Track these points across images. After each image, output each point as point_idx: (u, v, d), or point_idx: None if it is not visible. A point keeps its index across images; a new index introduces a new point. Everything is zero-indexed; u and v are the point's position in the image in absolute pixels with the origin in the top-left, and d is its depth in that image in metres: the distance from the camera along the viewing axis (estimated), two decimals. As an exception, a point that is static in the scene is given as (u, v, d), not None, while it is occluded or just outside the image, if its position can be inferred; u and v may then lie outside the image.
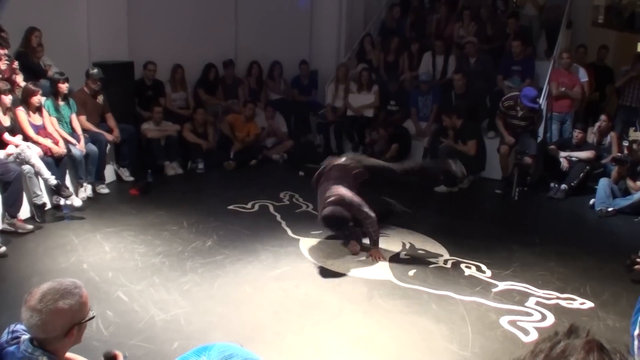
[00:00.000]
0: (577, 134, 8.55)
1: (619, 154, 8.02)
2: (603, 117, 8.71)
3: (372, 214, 5.93)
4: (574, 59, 9.46)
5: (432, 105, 9.76)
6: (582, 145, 8.51)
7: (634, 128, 8.90)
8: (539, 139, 8.89)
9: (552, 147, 8.73)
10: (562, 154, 8.53)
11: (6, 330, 2.40)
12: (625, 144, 8.07)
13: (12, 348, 2.30)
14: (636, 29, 13.74)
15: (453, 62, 10.23)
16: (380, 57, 11.02)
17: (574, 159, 8.45)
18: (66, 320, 2.26)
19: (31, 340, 2.28)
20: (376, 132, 9.63)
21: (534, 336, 4.51)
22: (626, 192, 7.76)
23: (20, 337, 2.32)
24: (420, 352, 4.26)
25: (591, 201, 7.90)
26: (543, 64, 9.92)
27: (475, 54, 9.91)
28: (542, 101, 9.09)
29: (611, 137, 8.61)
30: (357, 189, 6.08)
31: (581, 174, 8.35)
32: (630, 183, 7.72)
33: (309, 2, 11.70)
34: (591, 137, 8.73)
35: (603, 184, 7.84)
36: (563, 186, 8.33)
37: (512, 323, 4.68)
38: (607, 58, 10.80)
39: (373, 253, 5.99)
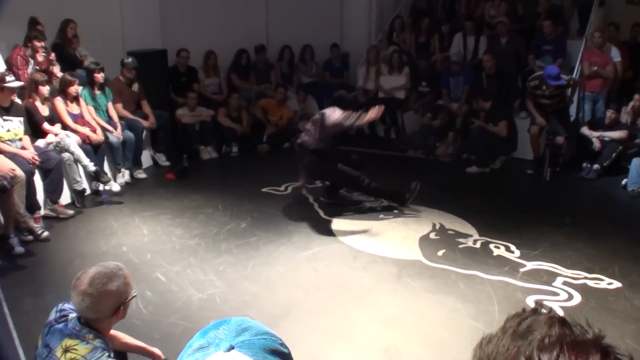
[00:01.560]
0: (610, 114, 8.47)
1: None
2: (637, 96, 8.58)
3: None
4: (606, 37, 9.36)
5: (464, 86, 9.76)
6: (614, 125, 8.44)
7: None
8: (572, 119, 8.85)
9: (585, 127, 8.68)
10: (595, 133, 8.47)
11: (54, 309, 2.59)
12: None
13: (60, 325, 2.48)
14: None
15: (484, 43, 10.18)
16: (412, 38, 11.04)
17: (606, 139, 8.39)
18: (115, 301, 2.46)
19: (79, 318, 2.46)
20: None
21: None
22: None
23: (68, 316, 2.50)
24: (446, 330, 4.37)
25: (623, 181, 7.84)
26: (575, 43, 9.81)
27: (506, 34, 9.87)
28: (575, 75, 9.03)
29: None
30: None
31: (613, 154, 8.29)
32: None
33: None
34: (624, 117, 8.63)
35: (636, 164, 7.78)
36: (595, 166, 8.29)
37: (539, 302, 4.75)
38: (641, 36, 10.63)
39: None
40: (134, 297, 2.59)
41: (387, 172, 8.04)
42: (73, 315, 2.49)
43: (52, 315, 2.56)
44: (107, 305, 2.43)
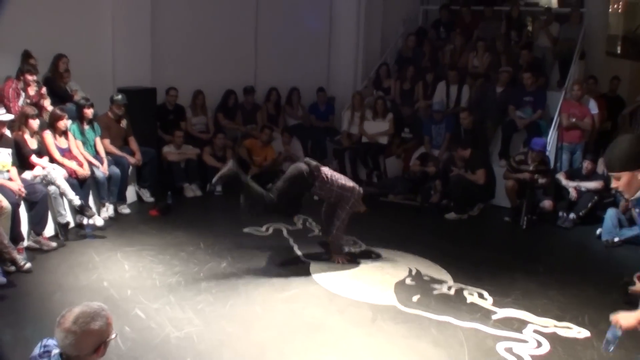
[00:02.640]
0: (586, 164, 8.71)
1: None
2: None
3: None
4: (585, 90, 9.65)
5: (445, 134, 10.00)
6: (591, 176, 8.66)
7: None
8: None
9: (562, 176, 8.88)
10: (571, 183, 8.69)
11: (39, 344, 2.70)
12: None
13: (43, 360, 2.59)
14: (652, 59, 13.87)
15: (466, 92, 10.47)
16: (396, 85, 11.30)
17: (582, 189, 8.62)
18: (96, 340, 2.57)
19: (61, 355, 2.57)
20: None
21: (528, 363, 4.71)
22: (633, 222, 7.83)
23: (51, 351, 2.62)
24: (417, 375, 4.48)
25: (598, 231, 8.02)
26: (555, 95, 10.11)
27: (504, 85, 10.14)
28: (552, 132, 9.31)
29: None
30: None
31: (589, 204, 8.50)
32: (635, 213, 7.81)
33: (315, 24, 11.99)
34: (601, 168, 8.86)
35: (610, 214, 7.98)
36: (571, 215, 8.50)
37: (509, 350, 4.87)
38: (620, 89, 10.94)
39: (334, 253, 6.74)
40: (114, 337, 2.70)
41: (368, 215, 8.17)
42: (56, 351, 2.60)
43: (37, 351, 2.67)
44: (89, 344, 2.55)
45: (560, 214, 8.60)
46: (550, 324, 5.38)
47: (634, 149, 3.07)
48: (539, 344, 5.02)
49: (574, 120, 9.38)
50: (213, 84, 10.13)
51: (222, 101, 10.45)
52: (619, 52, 13.92)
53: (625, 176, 3.10)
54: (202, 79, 9.98)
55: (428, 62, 11.65)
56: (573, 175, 8.88)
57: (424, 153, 10.05)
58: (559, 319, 5.48)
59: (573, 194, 8.61)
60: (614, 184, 3.19)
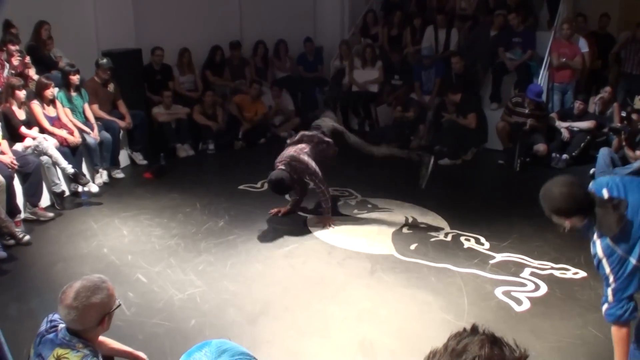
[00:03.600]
0: (578, 105, 8.70)
1: (617, 125, 8.18)
2: (607, 88, 8.81)
3: (323, 186, 6.39)
4: (575, 29, 9.57)
5: (435, 79, 9.96)
6: (583, 116, 8.67)
7: (639, 97, 8.96)
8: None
9: (553, 115, 8.90)
10: (563, 124, 8.71)
11: (45, 320, 2.76)
12: (623, 114, 8.24)
13: (50, 336, 2.64)
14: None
15: (455, 35, 10.38)
16: (384, 31, 11.18)
17: (575, 129, 8.64)
18: (99, 312, 2.61)
19: (68, 329, 2.62)
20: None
21: (526, 306, 4.79)
22: (625, 161, 7.88)
23: (58, 326, 2.67)
24: (418, 323, 4.55)
25: (591, 170, 8.03)
26: (545, 34, 9.99)
27: (498, 28, 10.02)
28: (543, 72, 9.27)
29: (613, 108, 8.72)
30: (317, 160, 6.42)
31: (582, 144, 8.53)
32: (628, 152, 7.83)
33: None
34: (592, 107, 8.87)
35: (603, 153, 7.98)
36: (564, 156, 8.54)
37: (507, 293, 4.96)
38: (609, 26, 10.85)
39: (323, 220, 6.49)
40: (117, 307, 2.74)
41: (365, 164, 8.19)
42: (62, 325, 2.64)
43: (43, 326, 2.71)
44: (92, 317, 2.59)
45: (554, 154, 8.63)
46: (547, 266, 5.46)
47: (564, 204, 3.15)
48: (537, 287, 5.10)
49: (564, 59, 9.33)
50: (199, 40, 10.03)
51: (208, 58, 10.35)
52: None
53: (567, 221, 3.23)
54: (187, 36, 9.87)
55: (415, 7, 11.52)
56: (565, 115, 8.89)
57: (407, 98, 10.01)
58: (556, 261, 5.55)
59: (565, 134, 8.63)
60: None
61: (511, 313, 4.68)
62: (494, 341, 1.23)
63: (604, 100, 8.68)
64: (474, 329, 1.29)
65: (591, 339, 4.30)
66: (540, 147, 8.51)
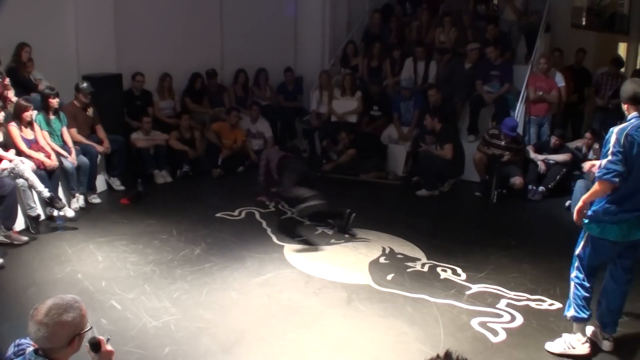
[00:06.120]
0: (554, 140, 8.81)
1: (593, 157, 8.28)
2: (588, 134, 8.89)
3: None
4: (551, 63, 9.74)
5: (414, 111, 10.03)
6: (559, 149, 8.79)
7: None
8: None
9: (529, 148, 9.00)
10: (539, 156, 8.81)
11: (12, 344, 2.70)
12: (596, 146, 8.35)
13: (18, 359, 2.58)
14: (616, 30, 14.04)
15: (434, 68, 10.49)
16: (364, 63, 11.27)
17: (551, 161, 8.74)
18: (69, 332, 2.57)
19: (36, 350, 2.57)
20: (338, 135, 9.95)
21: (502, 336, 4.81)
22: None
23: (25, 349, 2.61)
24: (395, 353, 4.54)
25: (567, 203, 8.12)
26: (522, 68, 10.16)
27: (473, 60, 10.14)
28: (520, 106, 9.40)
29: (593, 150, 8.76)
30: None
31: (558, 176, 8.63)
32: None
33: (294, 9, 11.93)
34: (574, 145, 8.98)
35: (579, 185, 8.02)
36: (541, 188, 8.63)
37: (483, 324, 4.98)
38: (585, 60, 11.05)
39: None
40: (89, 329, 2.70)
41: (341, 194, 8.23)
42: (30, 349, 2.60)
43: (10, 350, 2.67)
44: (62, 336, 2.55)
45: (530, 187, 8.71)
46: (523, 297, 5.48)
47: None
48: (513, 318, 5.12)
49: (540, 93, 9.50)
50: (179, 67, 10.04)
51: (188, 85, 10.35)
52: (584, 23, 14.03)
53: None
54: (168, 62, 9.88)
55: (395, 39, 11.64)
56: (541, 148, 9.01)
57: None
58: (532, 292, 5.60)
59: (542, 167, 8.73)
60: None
61: (487, 344, 4.69)
62: None
63: (589, 145, 8.72)
64: (448, 355, 1.29)
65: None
66: (517, 181, 8.57)
